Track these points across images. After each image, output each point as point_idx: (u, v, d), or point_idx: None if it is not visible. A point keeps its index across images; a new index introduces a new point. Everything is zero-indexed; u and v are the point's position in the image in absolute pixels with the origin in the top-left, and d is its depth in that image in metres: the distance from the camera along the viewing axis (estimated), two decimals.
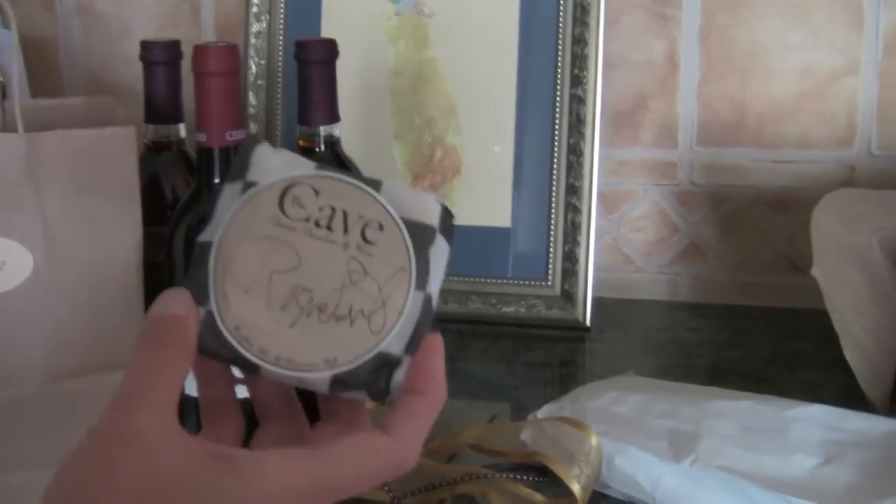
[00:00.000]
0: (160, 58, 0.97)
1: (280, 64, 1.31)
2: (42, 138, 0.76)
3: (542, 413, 0.93)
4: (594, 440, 0.86)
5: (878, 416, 0.88)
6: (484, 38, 1.26)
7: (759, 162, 1.27)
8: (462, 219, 1.26)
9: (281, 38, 1.31)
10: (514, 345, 1.20)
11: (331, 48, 0.94)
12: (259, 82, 1.31)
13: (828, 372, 1.07)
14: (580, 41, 1.22)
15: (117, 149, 0.79)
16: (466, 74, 1.26)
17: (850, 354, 0.94)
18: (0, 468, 0.76)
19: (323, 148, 0.95)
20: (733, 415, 0.86)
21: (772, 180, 1.27)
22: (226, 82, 0.81)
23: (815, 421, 0.85)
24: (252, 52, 1.31)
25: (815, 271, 0.96)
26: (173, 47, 0.98)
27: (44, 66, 1.44)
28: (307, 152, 0.95)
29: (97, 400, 0.79)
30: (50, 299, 0.77)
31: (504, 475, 0.87)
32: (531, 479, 0.88)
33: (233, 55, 0.81)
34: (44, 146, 0.76)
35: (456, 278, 1.25)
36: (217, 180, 0.82)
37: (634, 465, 0.84)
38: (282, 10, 1.31)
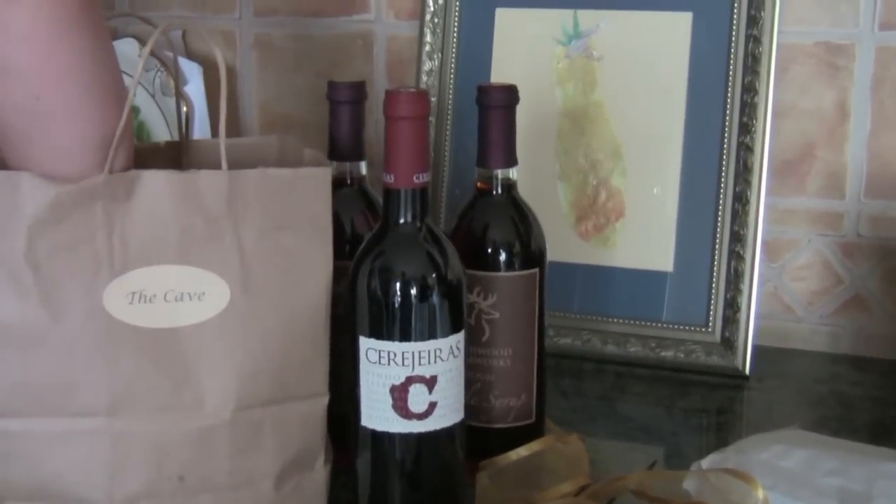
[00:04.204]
0: (346, 97, 1.00)
1: (450, 102, 1.34)
2: (243, 175, 0.79)
3: (706, 463, 0.93)
4: (761, 494, 0.86)
5: None
6: (652, 83, 1.26)
7: None
8: (623, 261, 1.27)
9: (452, 76, 1.34)
10: (672, 389, 1.20)
11: (512, 94, 0.95)
12: (430, 119, 1.34)
13: None
14: (750, 89, 1.22)
15: (313, 188, 0.82)
16: (633, 118, 1.27)
17: None
18: (191, 492, 0.80)
19: (500, 191, 0.96)
20: None
21: None
22: (415, 127, 0.83)
23: None
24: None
25: None
26: (359, 88, 1.01)
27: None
28: (484, 194, 0.97)
29: (281, 429, 0.82)
30: (244, 330, 0.79)
31: None
32: None
33: (423, 101, 0.83)
34: (245, 183, 0.79)
35: (616, 320, 1.26)
36: (402, 220, 0.84)
37: None
38: (454, 49, 1.34)
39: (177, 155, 0.94)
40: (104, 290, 0.76)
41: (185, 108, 1.35)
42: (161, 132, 1.43)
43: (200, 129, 1.41)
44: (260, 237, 0.80)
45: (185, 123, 1.31)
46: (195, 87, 1.40)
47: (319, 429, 0.85)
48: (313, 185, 0.82)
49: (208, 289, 0.78)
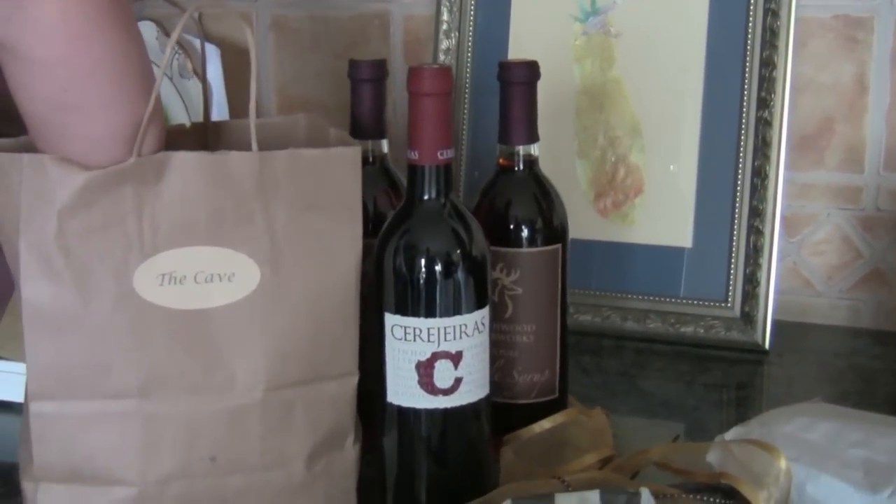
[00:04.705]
0: (368, 76, 1.00)
1: (467, 80, 1.34)
2: (273, 156, 0.79)
3: (729, 435, 0.94)
4: (783, 464, 0.86)
5: None
6: (670, 60, 1.27)
7: None
8: (642, 237, 1.27)
9: (469, 55, 1.34)
10: (692, 365, 1.21)
11: (533, 70, 0.96)
12: None
13: None
14: (768, 64, 1.22)
15: (343, 168, 0.81)
16: (651, 94, 1.27)
17: None
18: (223, 472, 0.80)
19: (521, 167, 0.97)
20: None
21: None
22: (439, 103, 0.84)
23: None
24: None
25: None
26: (380, 66, 1.01)
27: (239, 77, 1.50)
28: (506, 170, 0.97)
29: (312, 409, 0.83)
30: (274, 310, 0.79)
31: (691, 495, 0.88)
32: (717, 500, 0.88)
33: (446, 77, 0.84)
34: (275, 164, 0.79)
35: (635, 296, 1.27)
36: (426, 196, 0.85)
37: (827, 492, 0.84)
38: (471, 28, 1.34)
39: (203, 137, 0.95)
40: (135, 273, 0.77)
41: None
42: (179, 115, 1.43)
43: (218, 112, 1.42)
44: (290, 217, 0.80)
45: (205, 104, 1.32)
46: (213, 70, 1.41)
47: (350, 408, 0.85)
48: (343, 164, 0.82)
49: (238, 270, 0.79)
